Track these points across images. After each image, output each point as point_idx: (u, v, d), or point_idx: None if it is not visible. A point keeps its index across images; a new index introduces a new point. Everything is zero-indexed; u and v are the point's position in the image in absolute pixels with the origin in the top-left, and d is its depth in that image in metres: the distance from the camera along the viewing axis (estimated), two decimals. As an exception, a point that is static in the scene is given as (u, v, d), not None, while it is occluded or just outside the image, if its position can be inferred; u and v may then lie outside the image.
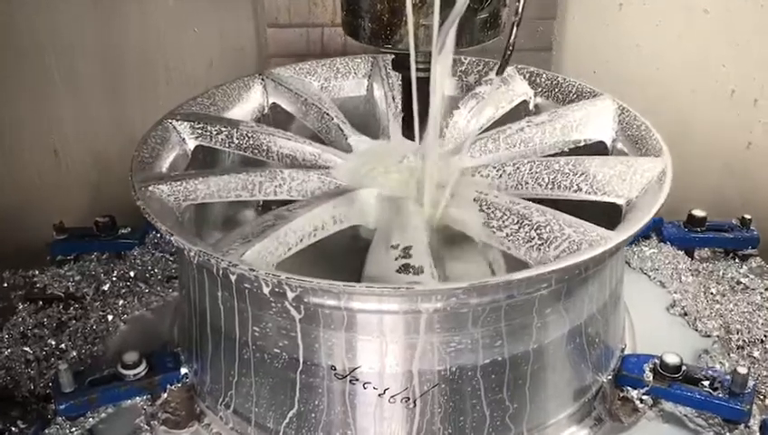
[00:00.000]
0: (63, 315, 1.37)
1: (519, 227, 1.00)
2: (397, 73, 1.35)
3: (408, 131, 1.21)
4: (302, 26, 1.72)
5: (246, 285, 0.92)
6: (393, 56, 1.16)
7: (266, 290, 0.90)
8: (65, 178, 1.91)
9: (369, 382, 0.95)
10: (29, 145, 1.87)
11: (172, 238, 0.93)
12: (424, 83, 1.07)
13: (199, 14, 1.75)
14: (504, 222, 1.02)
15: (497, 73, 1.14)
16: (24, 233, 1.88)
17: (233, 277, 0.92)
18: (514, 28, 1.04)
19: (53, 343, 1.30)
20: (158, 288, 1.40)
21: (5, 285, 1.67)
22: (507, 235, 1.00)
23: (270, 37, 1.73)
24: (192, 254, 0.92)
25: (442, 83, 1.07)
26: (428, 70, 1.06)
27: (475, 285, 0.84)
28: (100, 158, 1.89)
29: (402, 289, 0.84)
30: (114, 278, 1.43)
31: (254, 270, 0.87)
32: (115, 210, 1.65)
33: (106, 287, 1.41)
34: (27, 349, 1.29)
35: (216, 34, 1.77)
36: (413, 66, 1.07)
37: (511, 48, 1.06)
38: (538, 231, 0.98)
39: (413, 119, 1.11)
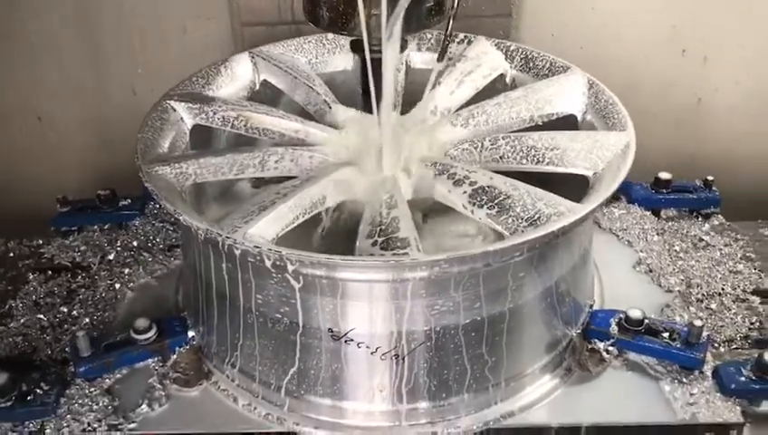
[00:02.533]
0: (72, 284, 1.46)
1: (495, 201, 1.10)
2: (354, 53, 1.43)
3: (366, 106, 1.33)
4: None
5: (250, 259, 1.02)
6: (351, 39, 1.26)
7: (268, 264, 1.00)
8: (50, 143, 1.97)
9: (363, 342, 1.06)
10: (13, 112, 1.93)
11: (180, 218, 1.03)
12: (378, 64, 1.18)
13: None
14: (481, 196, 1.11)
15: (438, 60, 1.28)
16: (15, 200, 1.95)
17: (237, 252, 1.02)
18: (451, 21, 1.16)
19: (65, 310, 1.39)
20: (161, 257, 1.49)
21: (12, 255, 1.76)
22: (485, 208, 1.10)
23: (241, 5, 1.77)
24: (200, 232, 1.01)
25: (393, 64, 1.20)
26: (381, 52, 1.17)
27: (454, 256, 0.95)
28: (83, 122, 1.95)
29: (391, 262, 0.95)
30: (118, 248, 1.52)
31: (258, 247, 0.96)
32: (101, 172, 1.72)
33: (111, 257, 1.50)
34: (41, 316, 1.38)
35: (189, 1, 1.81)
36: (367, 49, 1.18)
37: (449, 38, 1.20)
38: (512, 204, 1.08)
39: (370, 94, 1.23)
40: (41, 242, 1.62)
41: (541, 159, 1.20)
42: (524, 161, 1.21)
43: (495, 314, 1.07)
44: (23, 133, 1.96)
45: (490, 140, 1.24)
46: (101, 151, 1.97)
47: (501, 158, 1.22)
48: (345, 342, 1.06)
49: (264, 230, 1.05)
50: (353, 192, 1.19)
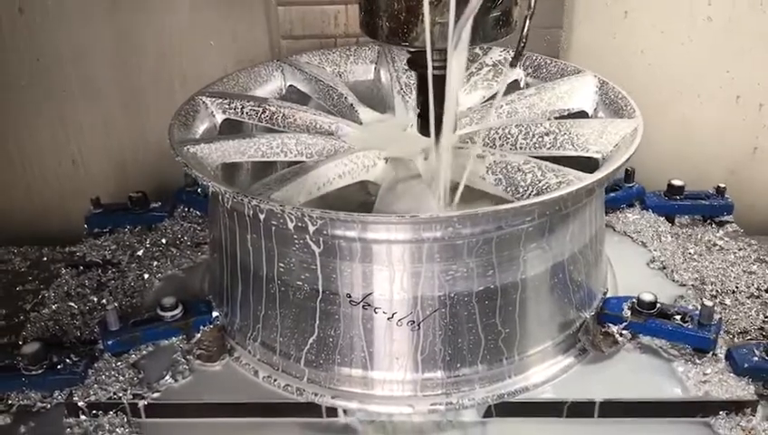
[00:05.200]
0: (103, 278, 1.52)
1: (507, 173, 1.15)
2: (401, 58, 1.50)
3: (423, 128, 1.25)
4: (316, 38, 1.77)
5: (273, 223, 1.08)
6: (409, 55, 1.22)
7: (291, 225, 1.05)
8: (84, 185, 1.97)
9: (380, 307, 1.09)
10: (49, 153, 1.95)
11: (209, 184, 1.09)
12: (440, 81, 1.14)
13: (215, 26, 1.82)
14: (493, 170, 1.17)
15: (511, 65, 1.16)
16: (43, 241, 1.97)
17: (261, 216, 1.07)
18: (527, 21, 1.08)
19: (95, 299, 1.45)
20: (188, 252, 1.55)
21: (45, 259, 1.84)
22: (496, 180, 1.15)
23: (284, 48, 1.79)
24: (227, 196, 1.08)
25: (458, 79, 1.13)
26: (443, 67, 1.12)
27: (467, 213, 0.99)
28: (117, 165, 1.98)
29: (407, 217, 1.00)
30: (147, 245, 1.58)
31: (282, 205, 1.02)
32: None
33: (140, 253, 1.57)
34: (72, 304, 1.44)
35: (231, 46, 1.84)
36: (429, 63, 1.12)
37: (524, 41, 1.09)
38: (522, 175, 1.13)
39: (428, 116, 1.17)
40: (74, 249, 1.67)
41: (553, 144, 1.25)
42: (537, 146, 1.26)
43: (508, 283, 1.11)
44: (57, 174, 1.99)
45: (503, 129, 1.29)
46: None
47: (514, 144, 1.28)
48: (363, 307, 1.10)
49: (285, 195, 1.11)
50: (372, 173, 1.24)
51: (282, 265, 1.13)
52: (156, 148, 1.93)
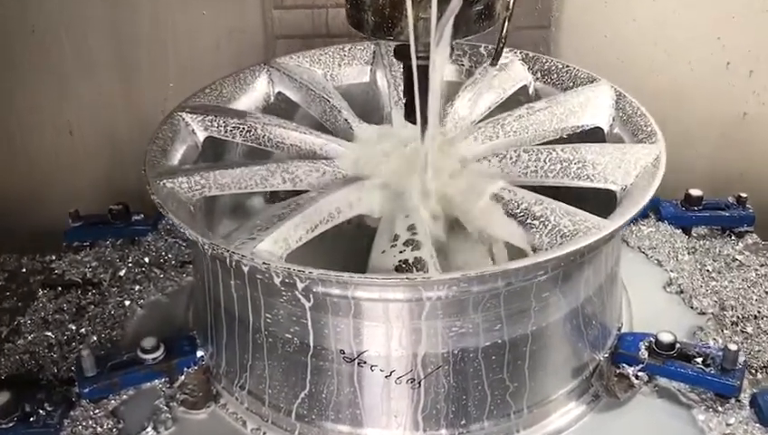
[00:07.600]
0: (82, 301, 1.42)
1: (517, 217, 1.04)
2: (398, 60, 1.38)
3: (409, 116, 1.24)
4: (308, 8, 1.75)
5: (258, 276, 0.97)
6: (395, 45, 1.18)
7: (277, 281, 0.95)
8: (80, 157, 1.96)
9: (376, 365, 1.00)
10: (44, 125, 1.92)
11: (187, 232, 0.98)
12: (424, 71, 1.11)
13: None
14: (503, 212, 1.06)
15: (491, 64, 1.19)
16: (40, 215, 1.93)
17: (245, 269, 0.97)
18: (506, 22, 1.09)
19: (74, 327, 1.36)
20: (173, 273, 1.45)
21: (24, 270, 1.75)
22: (505, 224, 1.04)
23: (276, 18, 1.76)
24: (206, 247, 0.97)
25: (441, 71, 1.11)
26: (428, 58, 1.10)
27: (472, 274, 0.89)
28: (113, 137, 1.94)
29: (405, 280, 0.89)
30: (130, 264, 1.48)
31: (266, 263, 0.91)
32: (128, 190, 1.68)
33: (122, 273, 1.47)
34: (49, 333, 1.35)
35: (223, 16, 1.80)
36: (413, 56, 1.10)
37: (503, 40, 1.11)
38: (535, 220, 1.03)
39: (414, 104, 1.14)
40: (53, 258, 1.58)
41: (566, 173, 1.14)
42: (549, 175, 1.15)
43: (517, 336, 1.01)
44: (52, 146, 1.96)
45: (512, 154, 1.18)
46: (129, 167, 1.92)
47: (524, 172, 1.17)
48: (358, 364, 1.00)
49: (272, 246, 1.00)
50: (369, 205, 1.14)
51: (269, 315, 1.03)
52: (152, 120, 1.86)
